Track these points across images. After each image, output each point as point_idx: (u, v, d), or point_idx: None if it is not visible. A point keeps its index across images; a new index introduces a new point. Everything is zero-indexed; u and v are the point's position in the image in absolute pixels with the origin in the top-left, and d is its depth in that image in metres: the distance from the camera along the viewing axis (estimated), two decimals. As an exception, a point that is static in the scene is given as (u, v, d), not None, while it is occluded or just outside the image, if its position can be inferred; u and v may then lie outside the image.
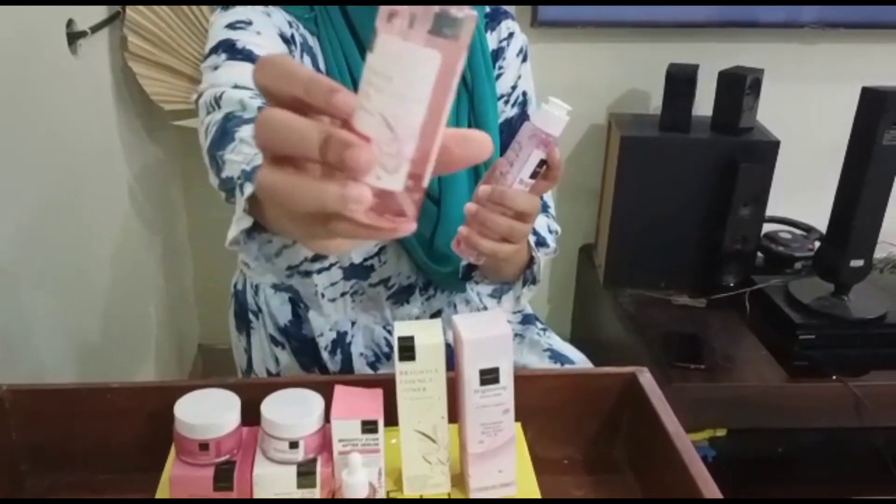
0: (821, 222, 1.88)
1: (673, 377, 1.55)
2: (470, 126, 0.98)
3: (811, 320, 1.64)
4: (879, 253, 1.88)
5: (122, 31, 1.57)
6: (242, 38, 0.87)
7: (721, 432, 1.73)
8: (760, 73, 1.76)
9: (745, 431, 1.69)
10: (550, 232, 1.04)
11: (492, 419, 0.70)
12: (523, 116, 1.06)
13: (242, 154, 0.71)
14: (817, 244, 1.92)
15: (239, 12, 0.90)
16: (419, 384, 0.68)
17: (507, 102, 1.05)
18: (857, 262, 1.63)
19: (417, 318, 1.06)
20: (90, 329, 1.46)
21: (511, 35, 1.05)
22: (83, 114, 1.43)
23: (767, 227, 1.92)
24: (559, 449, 0.86)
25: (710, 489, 0.71)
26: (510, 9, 1.08)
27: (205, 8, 1.57)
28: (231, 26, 0.89)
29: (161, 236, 1.87)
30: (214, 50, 0.88)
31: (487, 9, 1.03)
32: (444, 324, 1.06)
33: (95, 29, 1.44)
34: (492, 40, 1.03)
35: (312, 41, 0.93)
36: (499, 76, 1.04)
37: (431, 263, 1.00)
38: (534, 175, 0.80)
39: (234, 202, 0.70)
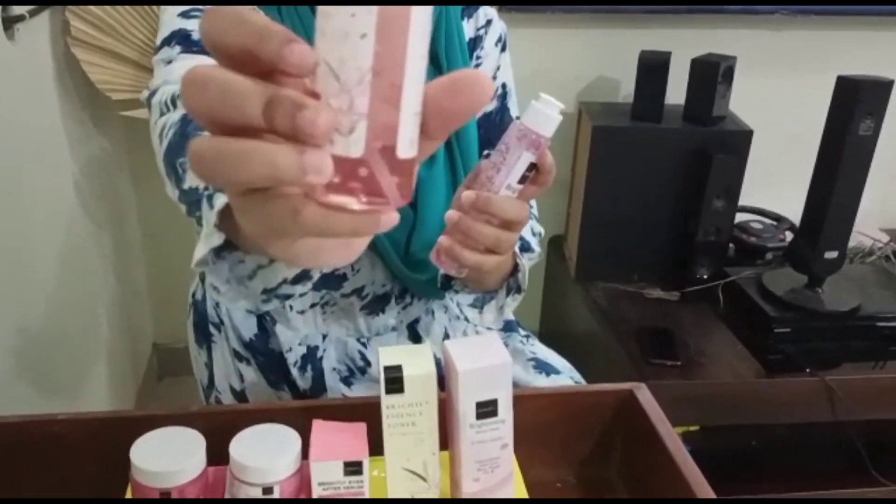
0: (791, 211, 1.86)
1: (648, 375, 1.51)
2: None
3: (785, 313, 1.62)
4: (850, 242, 1.87)
5: (63, 15, 1.46)
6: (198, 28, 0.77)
7: (694, 427, 1.71)
8: (733, 61, 1.72)
9: (720, 426, 1.67)
10: (534, 234, 0.97)
11: (489, 455, 0.63)
12: (503, 110, 1.00)
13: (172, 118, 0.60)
14: (788, 234, 1.90)
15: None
16: (408, 418, 0.61)
17: None
18: (830, 254, 1.61)
19: (394, 328, 0.99)
20: (33, 332, 1.36)
21: (489, 22, 0.97)
22: (21, 104, 1.32)
23: (738, 218, 1.90)
24: (551, 471, 0.80)
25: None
26: None
27: (154, -10, 1.47)
28: (185, 14, 0.80)
29: (110, 232, 1.77)
30: (167, 41, 0.79)
31: None
32: (422, 333, 1.01)
33: (34, 12, 1.33)
34: (469, 28, 0.96)
35: None
36: (477, 66, 0.97)
37: (407, 271, 0.93)
38: (522, 180, 0.72)
39: (198, 216, 0.60)
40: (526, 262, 0.89)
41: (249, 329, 0.98)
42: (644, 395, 0.79)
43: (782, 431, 1.74)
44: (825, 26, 1.86)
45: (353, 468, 0.60)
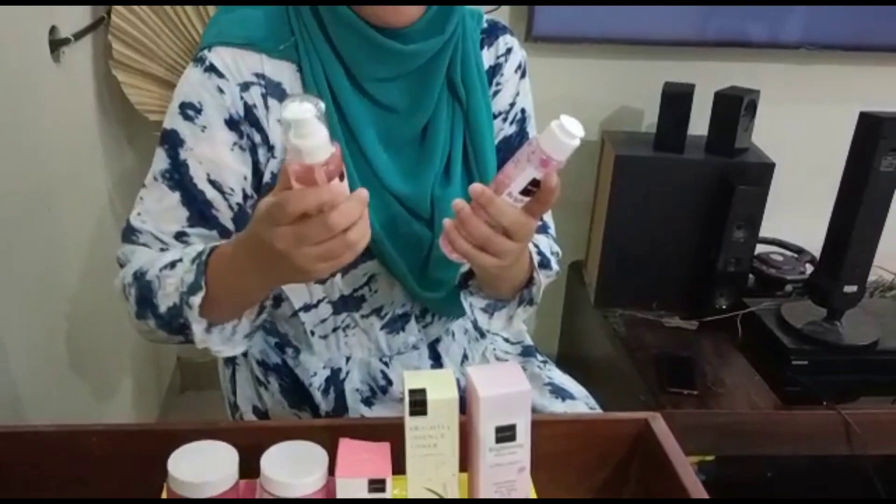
0: (812, 244, 1.87)
1: (665, 403, 1.52)
2: (465, 143, 0.95)
3: (803, 346, 1.63)
4: (871, 277, 1.87)
5: (106, 38, 1.52)
6: (187, 142, 0.87)
7: (710, 456, 1.72)
8: (756, 95, 1.75)
9: (735, 456, 1.67)
10: (552, 254, 1.01)
11: (506, 478, 0.66)
12: (522, 134, 1.03)
13: (170, 284, 0.81)
14: (808, 266, 1.91)
15: (195, 89, 0.87)
16: (430, 440, 0.64)
17: (505, 120, 1.02)
18: (850, 288, 1.62)
19: (415, 346, 1.02)
20: (64, 341, 1.40)
21: (509, 51, 1.01)
22: (64, 121, 1.38)
23: (758, 249, 1.91)
24: (567, 496, 0.83)
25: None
26: (508, 24, 1.05)
27: (192, 14, 1.52)
28: (183, 110, 0.87)
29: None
30: (163, 139, 0.89)
31: (485, 24, 1.00)
32: (442, 353, 1.04)
33: (79, 36, 1.38)
34: (489, 56, 0.99)
35: (290, 74, 0.89)
36: (497, 92, 1.00)
37: (422, 291, 0.96)
38: (526, 192, 0.75)
39: (179, 334, 0.84)
40: (543, 278, 0.93)
41: (273, 358, 1.02)
42: (659, 425, 0.81)
43: (798, 464, 1.74)
44: (848, 61, 1.89)
45: (377, 486, 0.63)
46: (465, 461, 0.69)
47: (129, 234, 0.90)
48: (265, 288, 0.81)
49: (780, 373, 1.61)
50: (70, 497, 0.76)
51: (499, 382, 0.65)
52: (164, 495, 0.69)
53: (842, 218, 1.58)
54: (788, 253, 1.97)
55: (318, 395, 1.00)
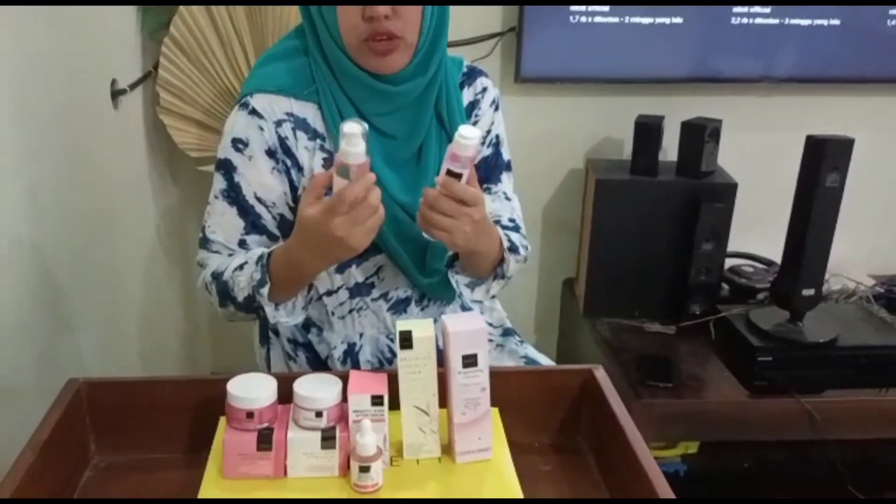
0: (779, 256, 2.06)
1: (643, 395, 1.70)
2: None
3: (769, 344, 1.79)
4: (836, 285, 2.06)
5: (154, 88, 1.78)
6: (239, 169, 1.13)
7: (692, 449, 1.89)
8: (719, 123, 1.97)
9: (715, 449, 1.84)
10: (522, 245, 1.25)
11: (472, 395, 0.89)
12: (497, 155, 1.28)
13: (242, 281, 1.08)
14: (777, 277, 2.10)
15: (242, 127, 1.13)
16: (415, 368, 0.88)
17: (483, 144, 1.26)
18: (808, 292, 1.79)
19: None
20: (116, 355, 1.62)
21: (484, 89, 1.27)
22: (119, 160, 1.63)
23: (733, 262, 2.11)
24: (531, 434, 1.03)
25: (654, 471, 0.85)
26: (485, 69, 1.31)
27: (225, 66, 1.78)
28: (234, 144, 1.13)
29: (180, 270, 2.05)
30: (219, 166, 1.15)
31: (465, 69, 1.25)
32: (436, 332, 1.27)
33: (133, 87, 1.65)
34: (469, 94, 1.25)
35: (312, 112, 1.15)
36: (475, 123, 1.25)
37: (421, 277, 1.20)
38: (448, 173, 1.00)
39: (254, 313, 1.11)
40: (512, 259, 1.19)
41: (300, 335, 1.26)
42: (600, 374, 1.03)
43: (772, 452, 1.90)
44: (800, 92, 2.11)
45: (377, 400, 0.87)
46: (443, 395, 0.92)
47: (205, 243, 1.17)
48: (322, 269, 1.10)
49: (748, 368, 1.78)
50: (146, 432, 0.98)
51: (464, 324, 0.89)
52: (221, 422, 0.92)
53: (797, 228, 1.77)
54: (759, 265, 2.16)
55: (338, 366, 1.23)
